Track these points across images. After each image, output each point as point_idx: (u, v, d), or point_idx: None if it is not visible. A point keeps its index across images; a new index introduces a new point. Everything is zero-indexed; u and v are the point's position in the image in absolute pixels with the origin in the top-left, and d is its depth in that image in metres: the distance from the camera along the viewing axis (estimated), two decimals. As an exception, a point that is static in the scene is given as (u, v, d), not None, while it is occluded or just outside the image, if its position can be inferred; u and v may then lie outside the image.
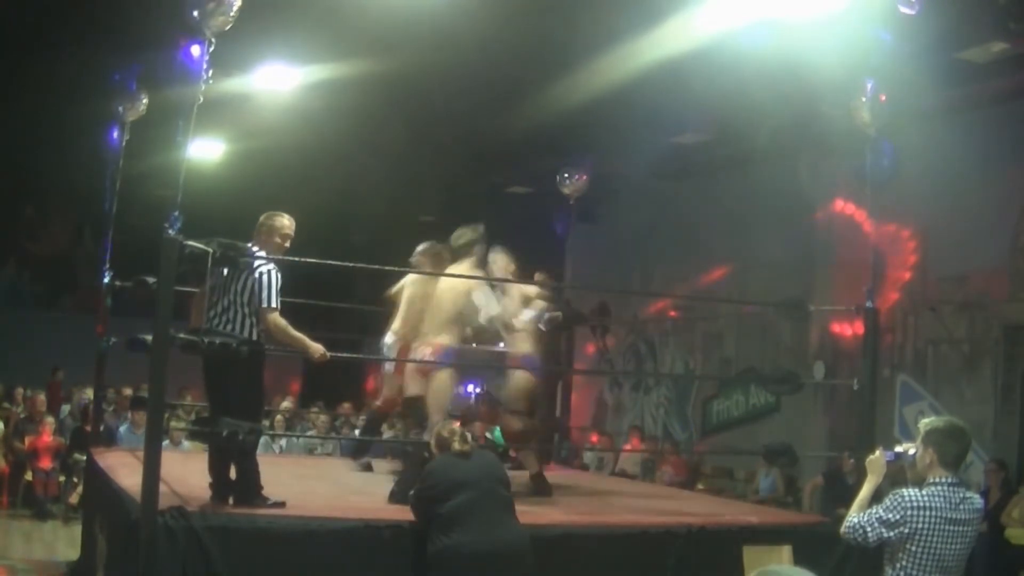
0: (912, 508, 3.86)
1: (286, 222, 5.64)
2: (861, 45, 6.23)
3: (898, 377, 10.23)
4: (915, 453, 4.05)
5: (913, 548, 3.86)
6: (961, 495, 3.93)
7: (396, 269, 7.22)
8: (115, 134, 8.53)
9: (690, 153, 11.59)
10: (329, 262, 6.81)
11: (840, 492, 8.96)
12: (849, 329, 10.42)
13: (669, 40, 7.64)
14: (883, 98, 6.05)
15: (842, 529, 4.07)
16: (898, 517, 3.87)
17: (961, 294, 9.73)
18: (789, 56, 7.59)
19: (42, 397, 12.51)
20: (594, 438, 13.72)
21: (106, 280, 8.32)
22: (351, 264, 7.00)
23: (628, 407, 14.04)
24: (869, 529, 3.93)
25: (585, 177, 10.59)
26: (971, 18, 7.51)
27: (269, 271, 5.37)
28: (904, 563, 3.89)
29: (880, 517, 3.91)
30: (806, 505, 10.00)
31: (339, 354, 6.86)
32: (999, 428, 9.21)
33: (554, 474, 8.57)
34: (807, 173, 11.23)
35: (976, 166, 9.20)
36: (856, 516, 4.01)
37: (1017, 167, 9.13)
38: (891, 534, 3.89)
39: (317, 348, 5.66)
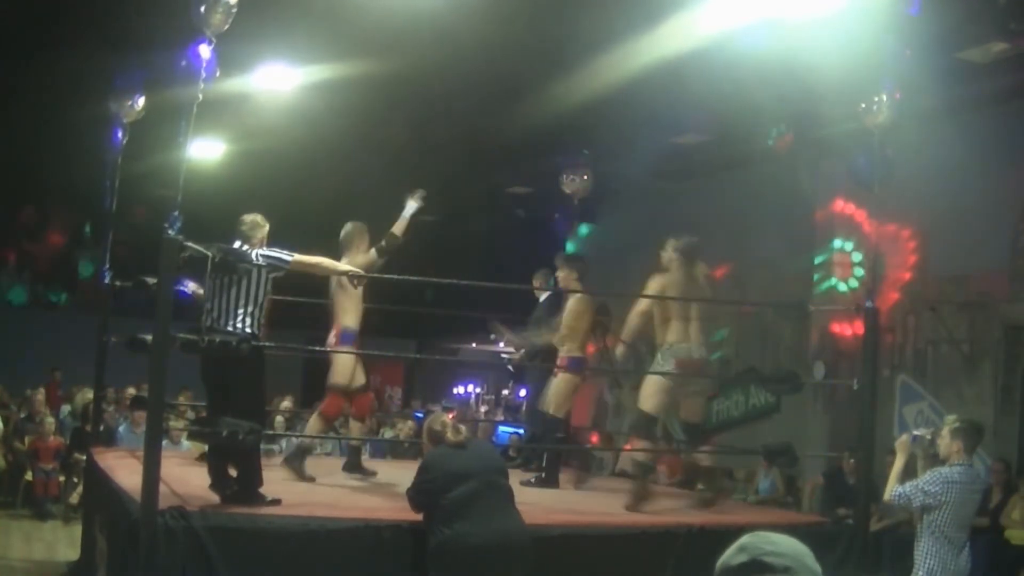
0: (949, 482, 5.15)
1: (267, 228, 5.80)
2: (861, 45, 6.23)
3: (898, 377, 10.22)
4: (931, 438, 5.37)
5: (947, 512, 5.16)
6: (974, 473, 5.40)
7: (395, 274, 7.24)
8: (117, 134, 8.53)
9: (690, 153, 11.58)
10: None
11: (840, 492, 8.95)
12: (849, 329, 10.41)
13: (669, 40, 7.64)
14: (898, 96, 6.06)
15: (889, 496, 5.35)
16: (939, 489, 5.16)
17: (961, 294, 9.72)
18: (789, 56, 7.59)
19: (40, 397, 12.50)
20: (594, 438, 13.71)
21: (106, 280, 8.33)
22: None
23: (628, 407, 14.00)
24: (914, 497, 5.22)
25: (587, 177, 10.59)
26: (971, 18, 7.51)
27: (263, 254, 5.50)
28: (939, 522, 5.18)
29: (924, 489, 5.19)
30: (806, 505, 10.00)
31: (338, 350, 6.87)
32: (999, 428, 9.21)
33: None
34: (807, 173, 11.22)
35: (976, 166, 9.19)
36: (900, 487, 5.29)
37: (1017, 167, 9.13)
38: (931, 501, 5.18)
39: (348, 268, 6.11)
